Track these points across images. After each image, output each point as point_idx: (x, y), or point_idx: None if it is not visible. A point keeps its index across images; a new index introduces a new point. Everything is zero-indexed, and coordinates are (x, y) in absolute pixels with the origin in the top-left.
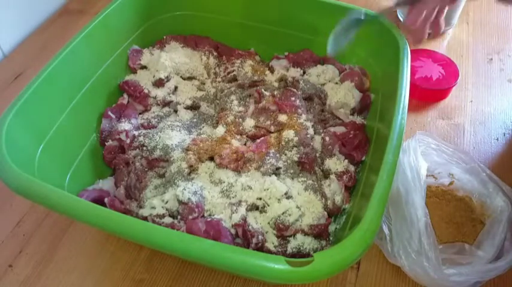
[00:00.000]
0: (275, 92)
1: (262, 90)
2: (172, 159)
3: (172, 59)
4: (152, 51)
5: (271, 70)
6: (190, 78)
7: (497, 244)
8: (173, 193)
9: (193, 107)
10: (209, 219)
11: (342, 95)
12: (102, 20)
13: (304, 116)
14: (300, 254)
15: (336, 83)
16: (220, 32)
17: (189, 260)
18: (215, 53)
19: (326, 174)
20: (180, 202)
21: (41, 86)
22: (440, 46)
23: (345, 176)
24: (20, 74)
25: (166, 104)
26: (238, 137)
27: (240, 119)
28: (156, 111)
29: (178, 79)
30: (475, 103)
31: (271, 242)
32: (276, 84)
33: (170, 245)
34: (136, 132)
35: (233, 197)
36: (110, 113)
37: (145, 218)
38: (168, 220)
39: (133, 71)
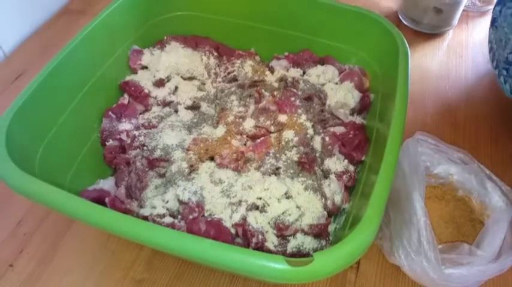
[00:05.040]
0: (275, 92)
1: (262, 90)
2: (172, 159)
3: (173, 60)
4: (153, 51)
5: (271, 70)
6: (190, 79)
7: (497, 244)
8: (173, 193)
9: (194, 107)
10: (209, 219)
11: (342, 95)
12: (102, 21)
13: (304, 116)
14: (299, 254)
15: (336, 83)
16: (221, 32)
17: (189, 260)
18: (215, 53)
19: (326, 174)
20: (181, 202)
21: (41, 86)
22: (440, 46)
23: (344, 176)
24: (21, 74)
25: (166, 104)
26: (239, 137)
27: (240, 119)
28: (156, 111)
29: (178, 79)
30: None
31: (271, 241)
32: (276, 85)
33: (171, 245)
34: (136, 132)
35: (233, 197)
36: (110, 113)
37: (145, 218)
38: (168, 219)
39: (134, 71)
